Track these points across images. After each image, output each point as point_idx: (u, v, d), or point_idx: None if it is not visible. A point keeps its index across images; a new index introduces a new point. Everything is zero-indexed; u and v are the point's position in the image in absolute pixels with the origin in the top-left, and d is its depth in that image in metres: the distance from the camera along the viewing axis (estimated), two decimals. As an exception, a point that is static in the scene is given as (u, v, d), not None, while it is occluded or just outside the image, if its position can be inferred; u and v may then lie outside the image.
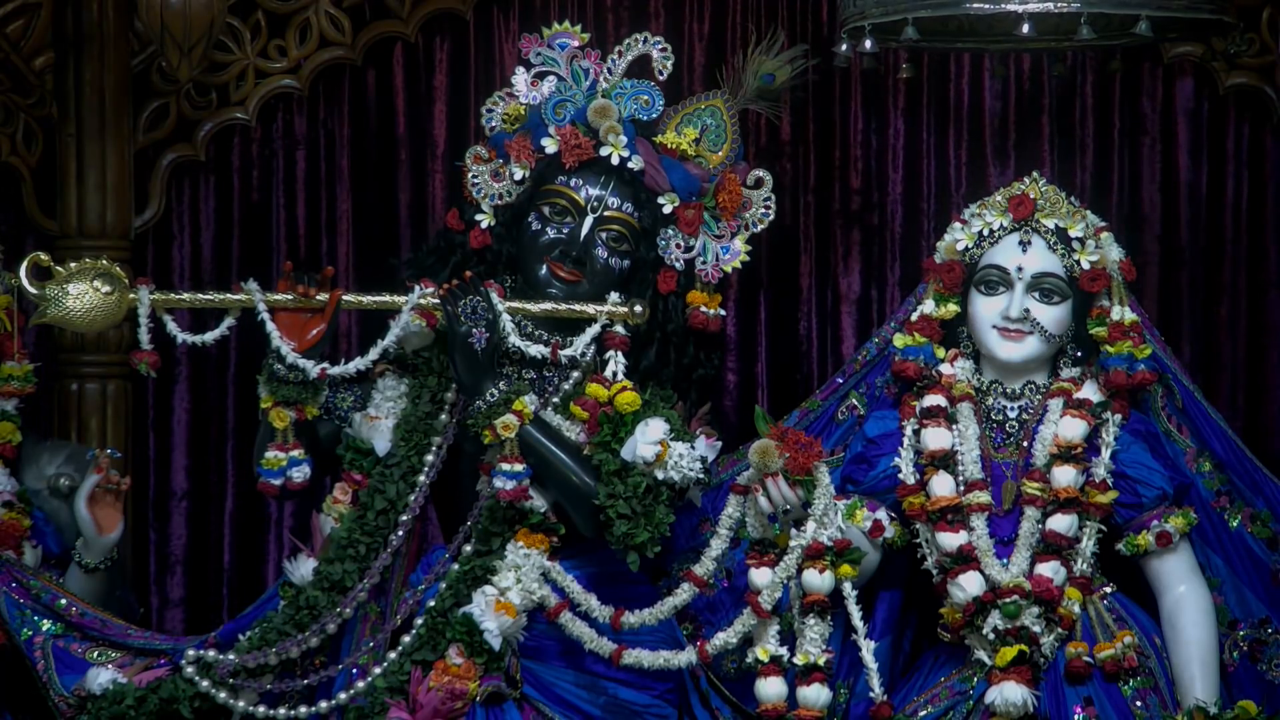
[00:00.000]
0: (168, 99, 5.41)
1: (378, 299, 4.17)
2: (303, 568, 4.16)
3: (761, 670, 4.08)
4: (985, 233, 4.33)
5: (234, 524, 5.51)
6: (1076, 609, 4.22)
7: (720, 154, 4.32)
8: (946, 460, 4.28)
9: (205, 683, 4.06)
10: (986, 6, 4.33)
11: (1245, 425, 5.30)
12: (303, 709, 4.08)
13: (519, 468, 4.03)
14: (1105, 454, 4.24)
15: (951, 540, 4.23)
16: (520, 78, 4.32)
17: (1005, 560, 4.22)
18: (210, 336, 4.10)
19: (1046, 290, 4.28)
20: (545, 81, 4.30)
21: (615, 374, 4.13)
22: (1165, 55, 5.34)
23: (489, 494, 4.09)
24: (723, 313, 4.29)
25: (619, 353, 4.15)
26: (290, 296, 4.11)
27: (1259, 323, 5.40)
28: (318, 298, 4.12)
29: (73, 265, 4.07)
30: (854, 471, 4.37)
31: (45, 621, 4.24)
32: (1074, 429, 4.24)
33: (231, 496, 5.50)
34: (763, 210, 4.31)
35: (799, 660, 4.07)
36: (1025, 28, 4.33)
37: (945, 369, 4.37)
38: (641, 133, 4.26)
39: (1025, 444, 4.29)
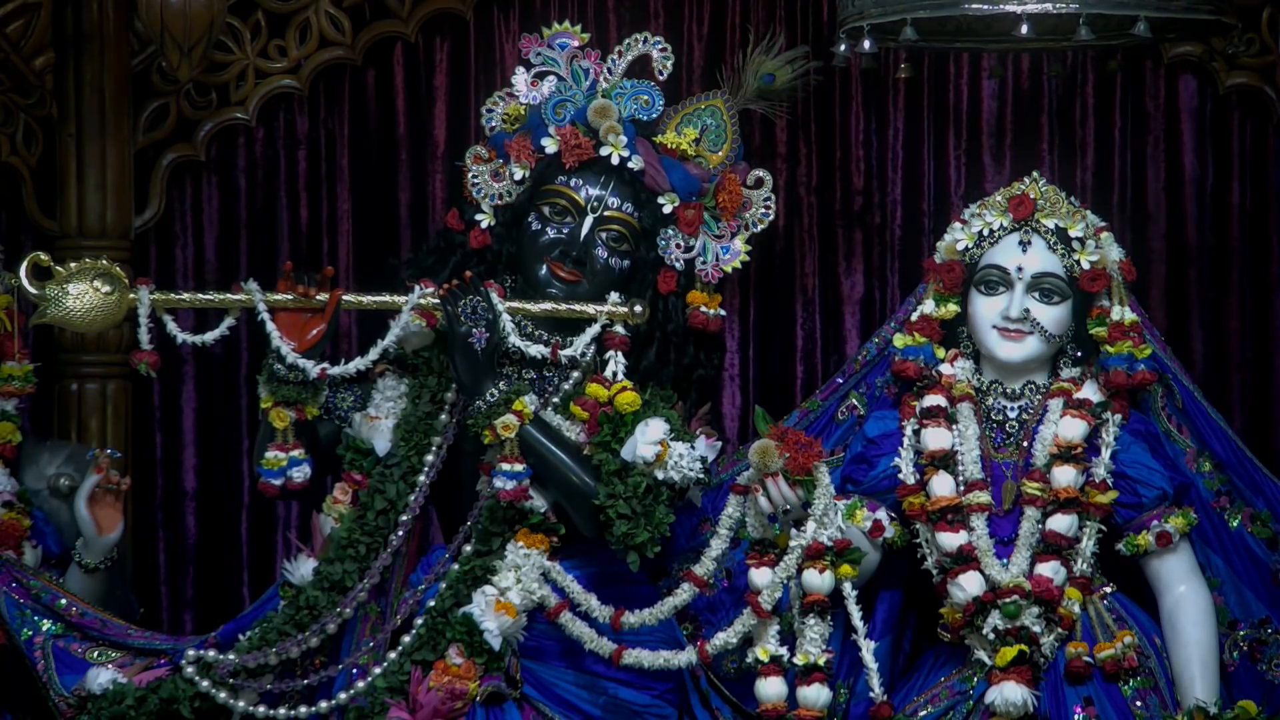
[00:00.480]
0: (168, 99, 5.42)
1: (378, 299, 4.16)
2: (303, 568, 4.16)
3: (761, 670, 4.08)
4: (985, 233, 4.34)
5: (249, 523, 5.52)
6: (1076, 609, 4.22)
7: (720, 154, 4.32)
8: (946, 460, 4.28)
9: (205, 683, 4.06)
10: (985, 7, 4.33)
11: (1251, 424, 5.31)
12: (303, 709, 4.08)
13: (519, 468, 4.03)
14: (1105, 454, 4.24)
15: (951, 540, 4.23)
16: (520, 78, 4.32)
17: (1005, 560, 4.22)
18: (210, 336, 4.10)
19: (1046, 290, 4.29)
20: (545, 81, 4.30)
21: (615, 374, 4.13)
22: (1166, 55, 5.34)
23: (489, 494, 4.09)
24: (723, 313, 4.29)
25: (619, 353, 4.15)
26: (290, 296, 4.11)
27: (1264, 322, 5.40)
28: (318, 298, 4.12)
29: (73, 265, 4.07)
30: (854, 471, 4.38)
31: (45, 621, 4.24)
32: (1074, 429, 4.24)
33: (247, 495, 5.50)
34: (763, 210, 4.31)
35: (799, 660, 4.07)
36: (1024, 28, 4.34)
37: (945, 369, 4.37)
38: (641, 133, 4.26)
39: (1025, 444, 4.30)
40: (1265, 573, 4.33)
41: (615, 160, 4.20)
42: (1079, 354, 4.34)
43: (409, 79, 5.50)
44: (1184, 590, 4.25)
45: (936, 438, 4.29)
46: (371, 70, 5.51)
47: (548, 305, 4.17)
